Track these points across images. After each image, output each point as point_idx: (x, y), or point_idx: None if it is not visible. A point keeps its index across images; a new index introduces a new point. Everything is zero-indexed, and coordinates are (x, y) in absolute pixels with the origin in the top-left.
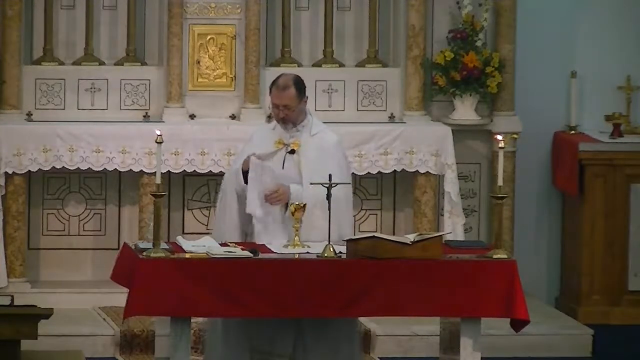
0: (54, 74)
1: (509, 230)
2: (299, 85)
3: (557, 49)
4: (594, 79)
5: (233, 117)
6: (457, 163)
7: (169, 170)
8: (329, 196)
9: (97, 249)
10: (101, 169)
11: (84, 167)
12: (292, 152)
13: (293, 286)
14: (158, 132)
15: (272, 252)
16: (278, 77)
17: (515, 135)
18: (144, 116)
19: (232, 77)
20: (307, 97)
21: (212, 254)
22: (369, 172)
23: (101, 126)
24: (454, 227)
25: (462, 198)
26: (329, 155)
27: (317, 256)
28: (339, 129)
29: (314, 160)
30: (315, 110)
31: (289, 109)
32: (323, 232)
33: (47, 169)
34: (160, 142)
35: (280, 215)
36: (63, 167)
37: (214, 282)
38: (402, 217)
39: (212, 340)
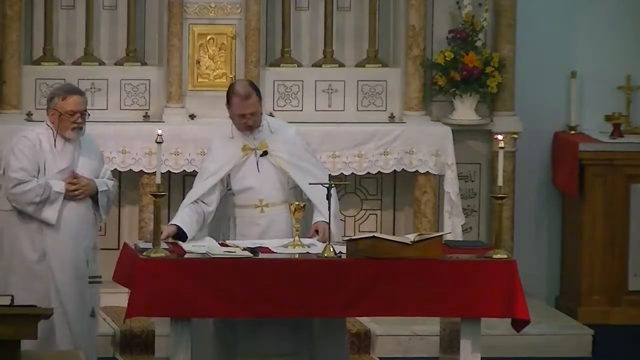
0: (54, 74)
1: (509, 230)
2: (257, 89)
3: (557, 49)
4: (594, 79)
5: None
6: (457, 163)
7: (169, 170)
8: (329, 196)
9: None
10: None
11: None
12: (265, 153)
13: (293, 286)
14: (159, 132)
15: (272, 252)
16: (234, 87)
17: (515, 135)
18: (144, 116)
19: (232, 77)
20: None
21: (212, 254)
22: (369, 172)
23: (101, 126)
24: (453, 227)
25: (462, 198)
26: (297, 147)
27: (317, 256)
28: (339, 129)
29: (289, 157)
30: (315, 110)
31: (255, 115)
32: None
33: None
34: (160, 142)
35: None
36: None
37: (214, 282)
38: (402, 217)
39: (201, 340)
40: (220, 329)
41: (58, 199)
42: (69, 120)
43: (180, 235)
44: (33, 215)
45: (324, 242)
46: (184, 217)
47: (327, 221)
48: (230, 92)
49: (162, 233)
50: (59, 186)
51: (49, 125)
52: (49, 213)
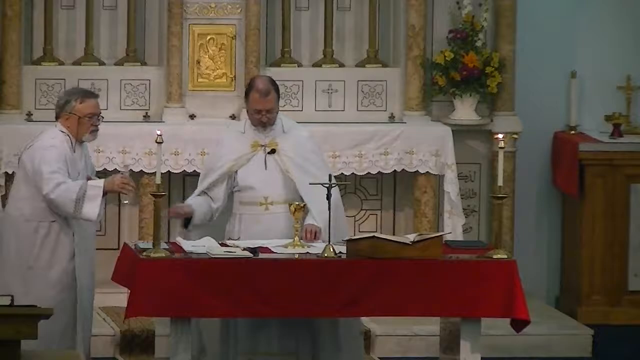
0: (54, 74)
1: (509, 230)
2: (276, 87)
3: (557, 49)
4: (594, 79)
5: (233, 117)
6: (457, 163)
7: (169, 170)
8: (329, 196)
9: (97, 249)
10: (101, 169)
11: None
12: (273, 151)
13: (293, 286)
14: (158, 132)
15: (272, 252)
16: (255, 82)
17: (515, 135)
18: (144, 116)
19: (232, 77)
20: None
21: (212, 254)
22: (369, 172)
23: (101, 126)
24: (454, 227)
25: (462, 198)
26: (306, 149)
27: (317, 256)
28: (339, 129)
29: (295, 157)
30: (315, 110)
31: (271, 112)
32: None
33: None
34: (160, 142)
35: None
36: None
37: (214, 282)
38: (402, 217)
39: (208, 340)
40: (224, 327)
41: (97, 196)
42: (88, 123)
43: (188, 219)
44: (74, 215)
45: (311, 241)
46: (197, 203)
47: (318, 224)
48: (250, 87)
49: (172, 210)
50: (95, 182)
51: (63, 132)
52: (89, 209)
